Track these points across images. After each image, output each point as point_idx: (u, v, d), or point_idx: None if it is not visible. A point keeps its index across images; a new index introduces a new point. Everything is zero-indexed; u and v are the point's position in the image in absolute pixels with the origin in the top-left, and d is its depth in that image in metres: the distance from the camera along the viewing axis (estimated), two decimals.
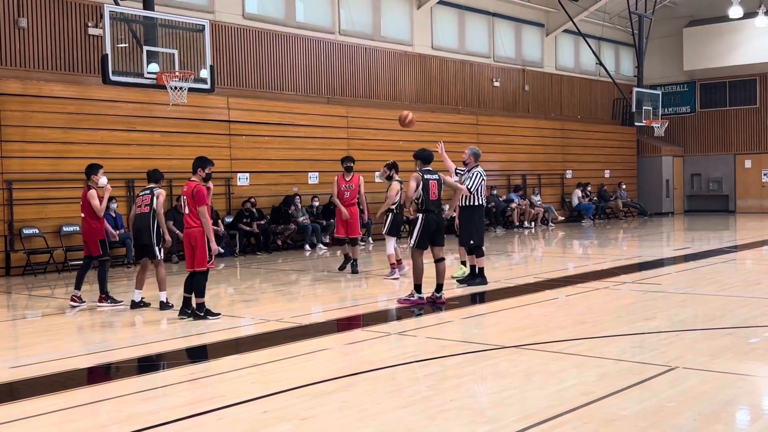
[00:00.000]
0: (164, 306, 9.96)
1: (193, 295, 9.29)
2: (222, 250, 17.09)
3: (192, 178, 9.35)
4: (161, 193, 10.29)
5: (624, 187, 29.87)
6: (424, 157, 10.22)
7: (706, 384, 5.98)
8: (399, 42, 23.08)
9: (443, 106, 24.17)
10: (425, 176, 10.04)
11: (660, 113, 29.27)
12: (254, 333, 8.72)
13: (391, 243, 12.96)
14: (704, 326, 8.22)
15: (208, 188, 9.34)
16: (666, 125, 29.56)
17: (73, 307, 10.47)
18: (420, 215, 10.04)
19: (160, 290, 10.07)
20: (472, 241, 11.61)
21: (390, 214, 12.90)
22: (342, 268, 13.81)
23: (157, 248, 10.18)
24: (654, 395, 5.60)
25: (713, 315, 8.82)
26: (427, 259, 10.33)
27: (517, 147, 26.14)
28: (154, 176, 10.57)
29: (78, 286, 10.65)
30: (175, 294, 10.42)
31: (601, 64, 28.43)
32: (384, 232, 12.93)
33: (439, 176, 10.21)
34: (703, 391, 5.77)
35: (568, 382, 6.07)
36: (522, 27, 27.55)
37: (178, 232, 13.23)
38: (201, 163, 9.39)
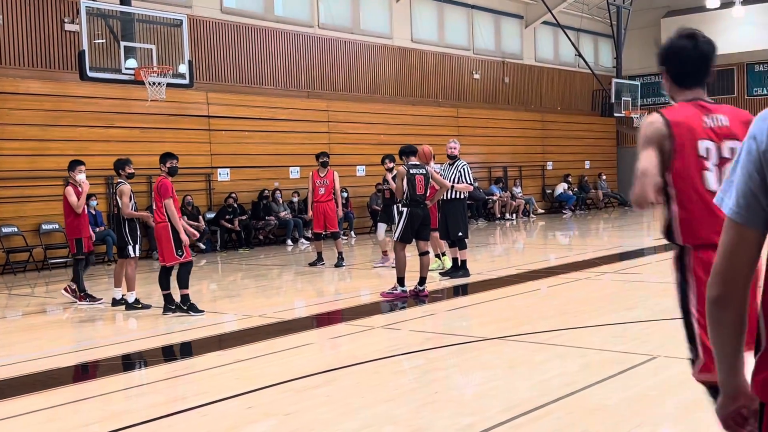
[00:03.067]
0: (116, 302, 9.93)
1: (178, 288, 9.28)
2: (203, 246, 17.01)
3: (160, 174, 9.49)
4: (122, 191, 9.95)
5: (604, 177, 30.03)
6: (409, 152, 10.29)
7: (687, 372, 6.01)
8: (378, 35, 23.03)
9: (423, 99, 24.16)
10: (411, 170, 10.09)
11: (639, 104, 29.43)
12: (237, 329, 8.69)
13: (382, 229, 13.08)
14: None
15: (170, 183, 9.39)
16: (645, 116, 29.70)
17: (91, 302, 10.32)
18: (405, 209, 10.09)
19: (128, 289, 9.94)
20: (460, 233, 11.66)
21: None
22: (313, 264, 13.78)
23: (129, 246, 10.03)
24: (636, 384, 5.64)
25: None
26: (409, 252, 10.34)
27: (498, 139, 26.20)
28: (115, 167, 10.40)
29: (80, 286, 10.47)
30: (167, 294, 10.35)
31: (580, 55, 28.52)
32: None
33: (426, 170, 10.27)
34: (685, 379, 5.79)
35: (551, 372, 6.10)
36: (501, 19, 27.57)
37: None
38: (163, 157, 9.53)
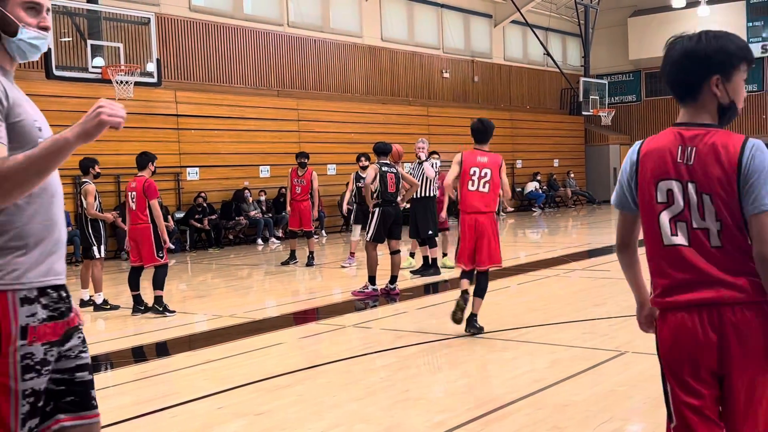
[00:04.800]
0: (84, 303, 9.79)
1: (152, 289, 9.19)
2: (173, 246, 16.88)
3: (140, 174, 9.29)
4: (87, 191, 9.68)
5: (573, 175, 30.28)
6: (382, 151, 10.32)
7: (655, 368, 6.06)
8: (348, 34, 23.02)
9: (394, 97, 24.18)
10: (383, 168, 10.14)
11: (607, 102, 29.73)
12: (207, 329, 8.65)
13: (357, 230, 13.12)
14: None
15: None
16: (613, 114, 30.03)
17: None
18: (377, 209, 10.11)
19: (95, 290, 9.81)
20: (430, 232, 11.71)
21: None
22: (285, 263, 13.76)
23: (94, 247, 9.87)
24: (605, 380, 5.70)
25: None
26: (380, 251, 10.36)
27: (468, 138, 25.82)
28: (81, 167, 10.00)
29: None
30: (145, 293, 10.26)
31: (548, 54, 28.73)
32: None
33: (396, 170, 10.33)
34: (653, 375, 5.86)
35: (521, 369, 6.15)
36: (470, 18, 27.68)
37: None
38: (150, 157, 9.40)
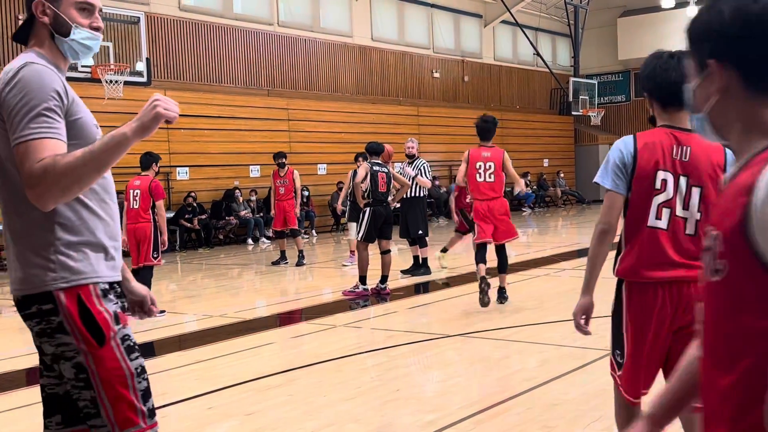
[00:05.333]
0: None
1: None
2: (165, 247, 16.84)
3: (145, 173, 9.36)
4: None
5: (562, 175, 30.36)
6: (374, 151, 10.33)
7: None
8: (338, 33, 23.00)
9: (384, 97, 24.19)
10: (374, 168, 10.14)
11: (596, 102, 29.81)
12: (198, 329, 8.63)
13: (353, 228, 13.14)
14: None
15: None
16: (602, 114, 30.12)
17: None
18: (368, 208, 10.12)
19: None
20: (420, 231, 11.72)
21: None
22: (276, 263, 13.74)
23: None
24: (595, 379, 5.71)
25: None
26: (371, 251, 10.36)
27: (458, 138, 26.27)
28: None
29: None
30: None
31: (538, 54, 28.79)
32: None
33: (388, 170, 10.34)
34: None
35: (511, 368, 6.16)
36: (460, 18, 27.72)
37: None
38: (155, 158, 9.52)
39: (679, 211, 3.04)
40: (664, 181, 3.03)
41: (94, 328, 2.41)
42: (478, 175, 8.76)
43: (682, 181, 3.03)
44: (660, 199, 3.04)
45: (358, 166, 13.06)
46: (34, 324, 2.44)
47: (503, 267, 8.94)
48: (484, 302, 8.39)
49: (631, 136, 3.14)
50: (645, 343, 3.11)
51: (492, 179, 8.75)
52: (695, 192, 3.03)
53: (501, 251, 8.87)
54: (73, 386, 2.45)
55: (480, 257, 8.58)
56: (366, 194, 10.15)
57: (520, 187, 9.23)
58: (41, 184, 2.27)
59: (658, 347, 3.11)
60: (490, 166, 8.76)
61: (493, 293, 8.63)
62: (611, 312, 3.31)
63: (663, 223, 3.05)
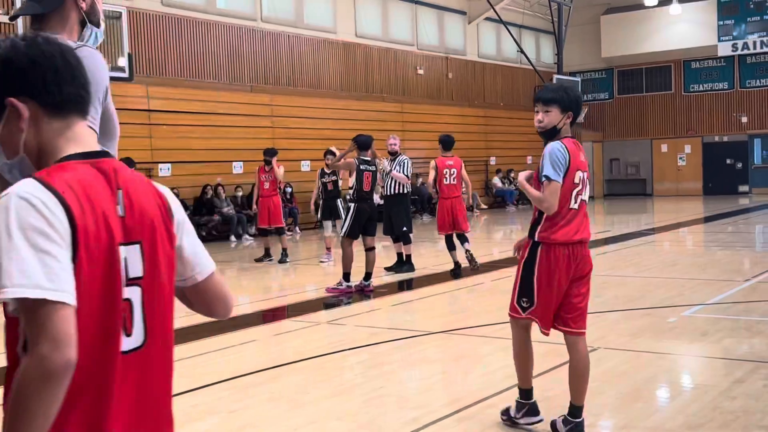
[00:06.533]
0: None
1: None
2: None
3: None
4: None
5: None
6: (362, 144, 10.27)
7: (627, 363, 6.16)
8: (322, 29, 22.94)
9: (368, 94, 24.15)
10: (361, 166, 10.12)
11: None
12: (180, 326, 8.54)
13: (328, 226, 13.13)
14: (624, 307, 8.46)
15: None
16: (585, 111, 30.22)
17: None
18: (352, 204, 10.11)
19: None
20: (404, 228, 11.72)
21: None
22: (260, 260, 13.70)
23: None
24: None
25: (633, 296, 9.08)
26: (356, 247, 10.34)
27: (440, 133, 26.33)
28: None
29: None
30: None
31: (522, 51, 28.85)
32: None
33: (375, 169, 10.34)
34: (625, 371, 5.94)
35: (494, 365, 6.17)
36: (444, 15, 27.72)
37: None
38: (132, 164, 9.54)
39: (584, 197, 4.52)
40: (581, 178, 4.45)
41: None
42: (445, 179, 11.29)
43: (586, 176, 4.51)
44: (576, 189, 4.42)
45: (327, 163, 13.07)
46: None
47: (464, 240, 11.38)
48: (456, 274, 11.06)
49: (562, 144, 4.44)
50: (553, 289, 4.41)
51: (454, 182, 11.35)
52: (588, 183, 4.60)
53: (463, 235, 11.38)
54: None
55: (450, 245, 11.31)
56: (352, 191, 10.15)
57: (469, 191, 12.04)
58: None
59: (561, 291, 4.43)
60: (453, 172, 11.37)
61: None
62: (522, 268, 4.52)
63: (575, 205, 4.43)
